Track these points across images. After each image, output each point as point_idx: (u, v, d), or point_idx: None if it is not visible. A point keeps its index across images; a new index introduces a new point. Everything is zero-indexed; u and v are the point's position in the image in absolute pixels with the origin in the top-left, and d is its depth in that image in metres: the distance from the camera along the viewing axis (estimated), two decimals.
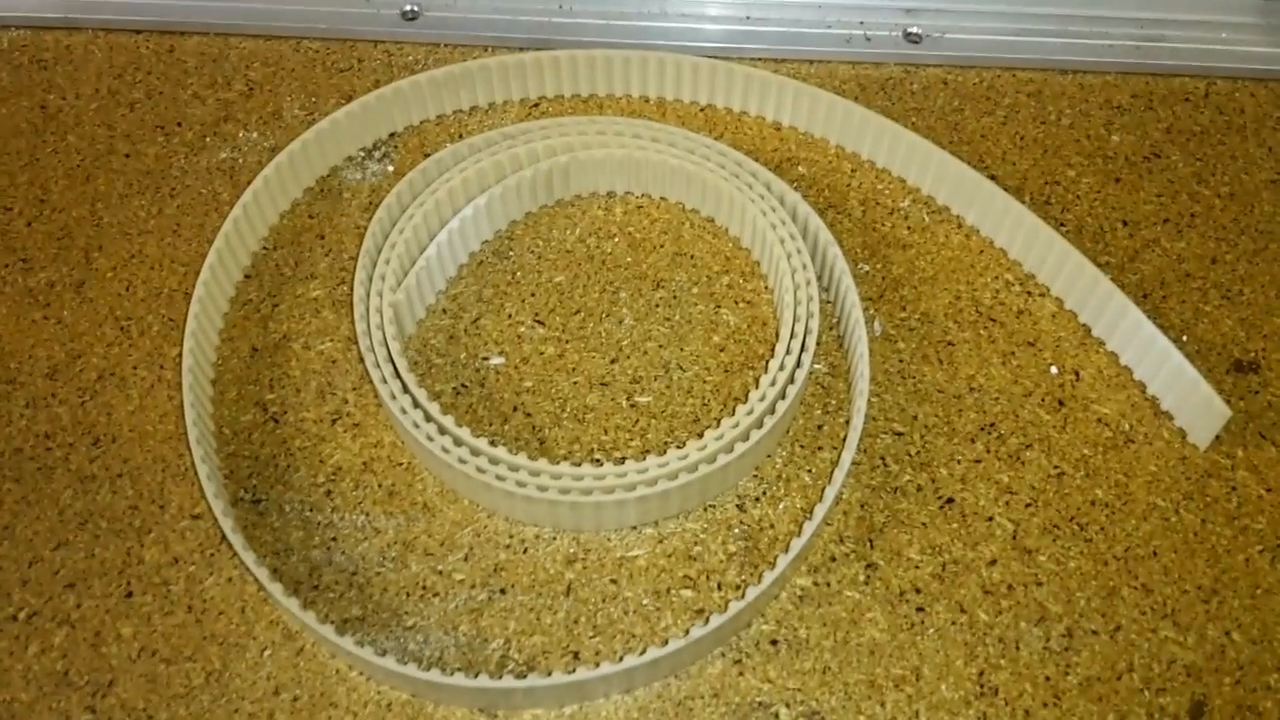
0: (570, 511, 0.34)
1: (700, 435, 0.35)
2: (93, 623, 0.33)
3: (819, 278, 0.39)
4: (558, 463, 0.34)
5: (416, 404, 0.35)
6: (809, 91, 0.42)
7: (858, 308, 0.37)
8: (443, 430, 0.34)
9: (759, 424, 0.35)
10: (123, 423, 0.37)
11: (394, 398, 0.35)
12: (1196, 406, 0.36)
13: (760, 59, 0.46)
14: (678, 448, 0.34)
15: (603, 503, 0.33)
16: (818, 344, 0.37)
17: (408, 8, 0.47)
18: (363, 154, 0.43)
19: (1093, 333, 0.39)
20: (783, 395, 0.35)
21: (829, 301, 0.39)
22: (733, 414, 0.35)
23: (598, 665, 0.31)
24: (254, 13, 0.46)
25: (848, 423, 0.37)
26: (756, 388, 0.35)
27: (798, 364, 0.36)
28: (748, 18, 0.47)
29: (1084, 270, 0.38)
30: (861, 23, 0.47)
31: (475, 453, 0.34)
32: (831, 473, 0.35)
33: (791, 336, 0.36)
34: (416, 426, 0.34)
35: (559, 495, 0.33)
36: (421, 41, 0.47)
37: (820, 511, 0.33)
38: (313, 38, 0.47)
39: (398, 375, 0.35)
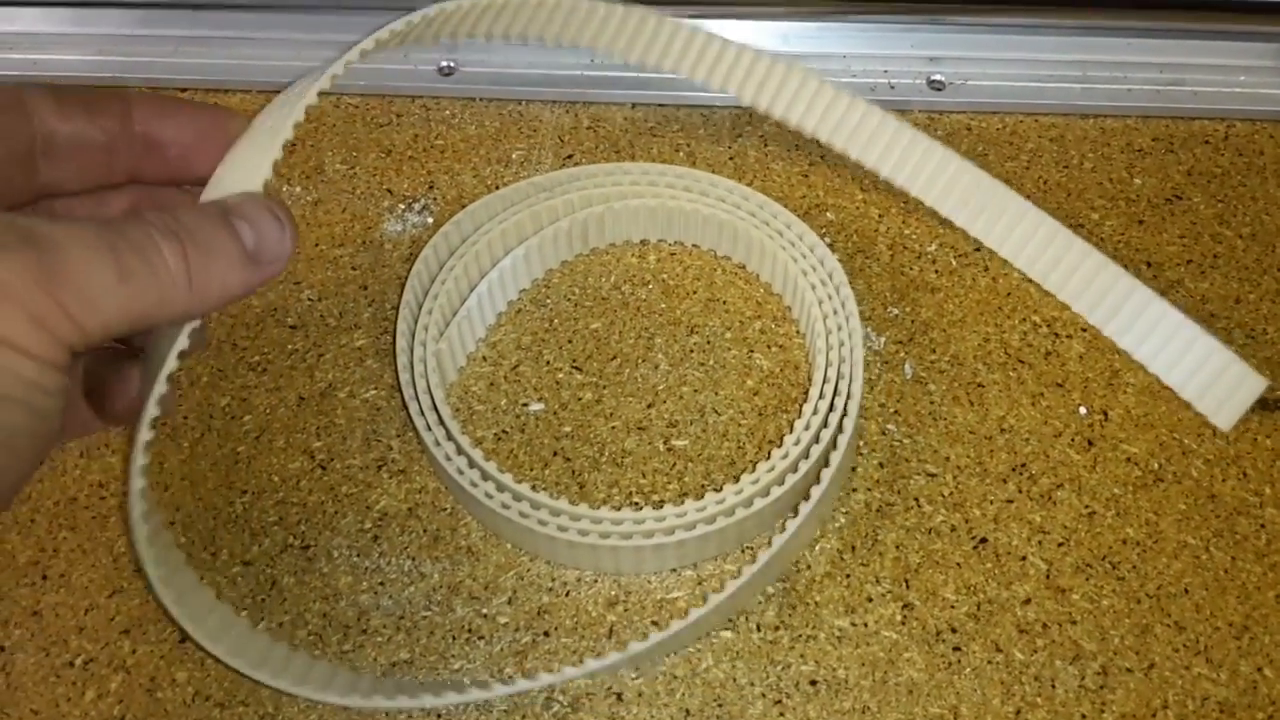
0: (611, 555, 0.35)
1: (736, 479, 0.35)
2: (148, 668, 0.34)
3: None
4: (598, 507, 0.35)
5: (460, 450, 0.36)
6: (840, 101, 0.42)
7: (858, 355, 0.37)
8: (485, 476, 0.35)
9: (794, 468, 0.35)
10: (174, 471, 0.38)
11: (438, 444, 0.36)
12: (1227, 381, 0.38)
13: None
14: (715, 491, 0.35)
15: (643, 546, 0.34)
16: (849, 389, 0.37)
17: (444, 64, 0.48)
18: (403, 207, 0.44)
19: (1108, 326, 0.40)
20: (816, 439, 0.36)
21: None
22: (768, 457, 0.36)
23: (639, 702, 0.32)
24: (296, 70, 0.48)
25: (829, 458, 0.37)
26: (791, 431, 0.36)
27: (831, 407, 0.36)
28: None
29: (1096, 260, 0.40)
30: (885, 71, 0.48)
31: (518, 498, 0.35)
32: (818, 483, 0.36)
33: (825, 381, 0.37)
34: (460, 473, 0.35)
35: (600, 540, 0.34)
36: (458, 96, 0.48)
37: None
38: (352, 94, 0.48)
39: (441, 423, 0.36)
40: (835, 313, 0.38)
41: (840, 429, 0.36)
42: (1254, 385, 0.38)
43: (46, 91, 0.29)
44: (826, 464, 0.35)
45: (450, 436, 0.36)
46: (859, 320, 0.38)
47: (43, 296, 0.23)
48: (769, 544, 0.34)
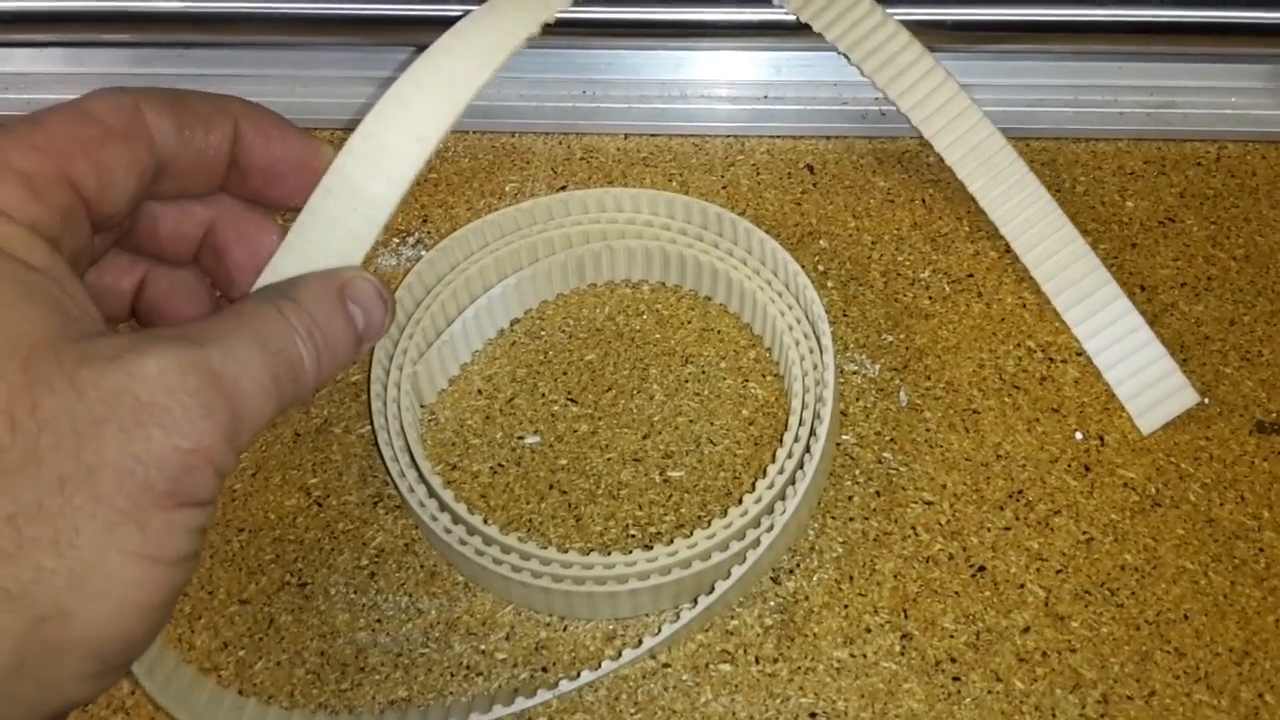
0: (609, 601, 0.35)
1: (725, 513, 0.35)
2: (148, 709, 0.34)
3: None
4: (586, 553, 0.35)
5: (443, 506, 0.35)
6: None
7: (830, 394, 0.37)
8: (472, 530, 0.35)
9: (782, 498, 0.35)
10: None
11: (411, 490, 0.36)
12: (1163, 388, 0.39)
13: (778, 136, 0.48)
14: (704, 528, 0.35)
15: (638, 589, 0.34)
16: (827, 433, 0.37)
17: None
18: (396, 241, 0.44)
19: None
20: (792, 481, 0.36)
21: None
22: (753, 489, 0.36)
23: None
24: (293, 106, 0.48)
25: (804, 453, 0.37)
26: (775, 461, 0.36)
27: (806, 450, 0.36)
28: (765, 97, 0.48)
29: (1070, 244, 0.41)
30: (876, 98, 0.48)
31: (506, 550, 0.34)
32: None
33: (800, 424, 0.37)
34: (449, 532, 0.35)
35: (595, 586, 0.34)
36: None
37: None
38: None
39: (422, 480, 0.36)
40: (815, 368, 0.38)
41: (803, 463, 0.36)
42: (1186, 398, 0.39)
43: (165, 108, 0.27)
44: (789, 493, 0.35)
45: (432, 493, 0.36)
46: (833, 373, 0.37)
47: (231, 451, 0.23)
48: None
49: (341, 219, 0.28)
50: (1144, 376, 0.39)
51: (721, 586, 0.34)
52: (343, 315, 0.27)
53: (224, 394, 0.23)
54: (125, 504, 0.22)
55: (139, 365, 0.22)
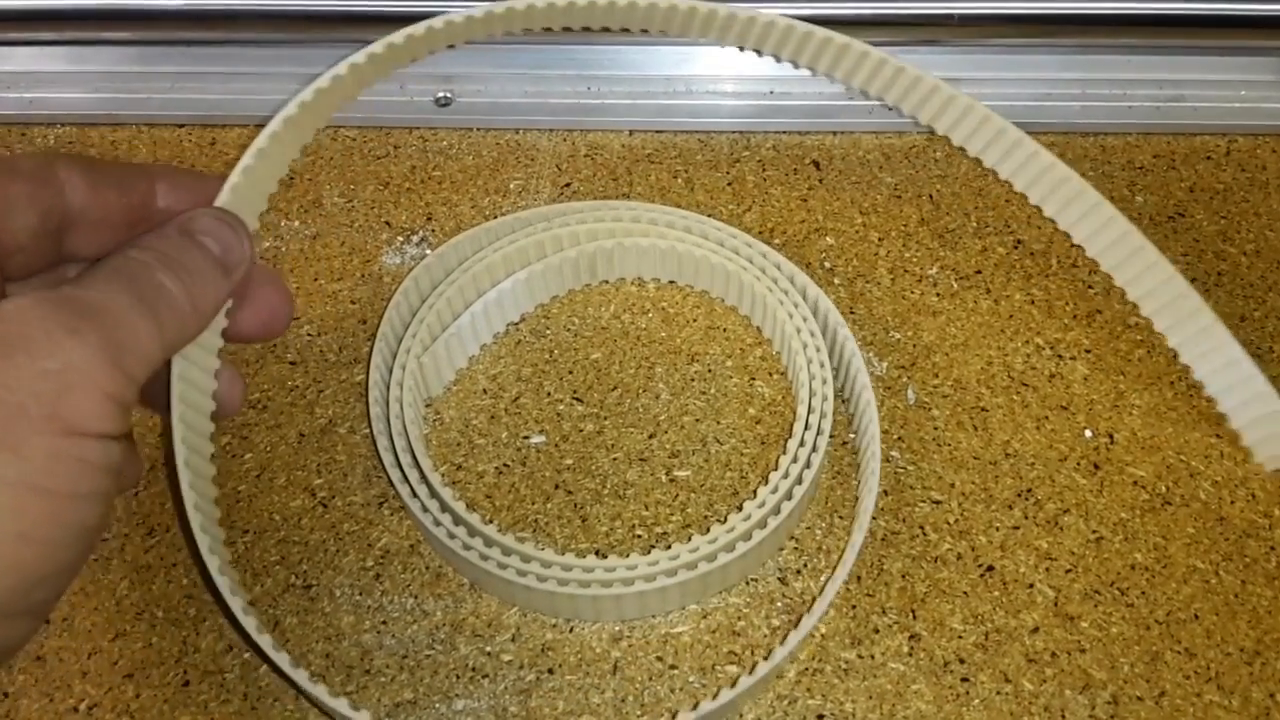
0: (614, 603, 0.34)
1: (724, 519, 0.35)
2: (151, 712, 0.34)
3: (835, 367, 0.39)
4: (585, 555, 0.35)
5: (444, 506, 0.35)
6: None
7: (869, 394, 0.37)
8: (473, 532, 0.35)
9: (789, 495, 0.35)
10: (175, 513, 0.38)
11: (425, 511, 0.35)
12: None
13: (784, 131, 0.47)
14: (702, 534, 0.35)
15: (645, 591, 0.34)
16: (832, 434, 0.37)
17: (440, 95, 0.48)
18: (401, 239, 0.44)
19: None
20: (799, 480, 0.35)
21: (844, 398, 0.40)
22: (766, 482, 0.35)
23: None
24: None
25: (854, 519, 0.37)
26: (778, 467, 0.36)
27: (814, 448, 0.36)
28: (771, 92, 0.48)
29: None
30: None
31: (506, 551, 0.34)
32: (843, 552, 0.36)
33: (806, 428, 0.36)
34: (452, 537, 0.35)
35: (600, 589, 0.34)
36: (454, 126, 0.48)
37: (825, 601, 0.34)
38: (349, 126, 0.48)
39: (424, 480, 0.36)
40: (823, 365, 0.38)
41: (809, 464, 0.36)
42: None
43: (78, 164, 0.29)
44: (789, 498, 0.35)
45: (433, 492, 0.36)
46: (830, 376, 0.37)
47: (115, 373, 0.24)
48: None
49: None
50: (1255, 409, 0.37)
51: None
52: (192, 244, 0.28)
53: (88, 315, 0.24)
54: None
55: (1, 307, 0.23)
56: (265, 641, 0.30)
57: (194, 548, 0.31)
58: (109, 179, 0.29)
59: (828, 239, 0.44)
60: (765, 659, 0.32)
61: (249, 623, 0.30)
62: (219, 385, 0.33)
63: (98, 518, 0.24)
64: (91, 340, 0.23)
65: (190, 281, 0.27)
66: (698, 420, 0.39)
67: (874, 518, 0.37)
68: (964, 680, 0.34)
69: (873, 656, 0.34)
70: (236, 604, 0.30)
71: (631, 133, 0.48)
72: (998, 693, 0.33)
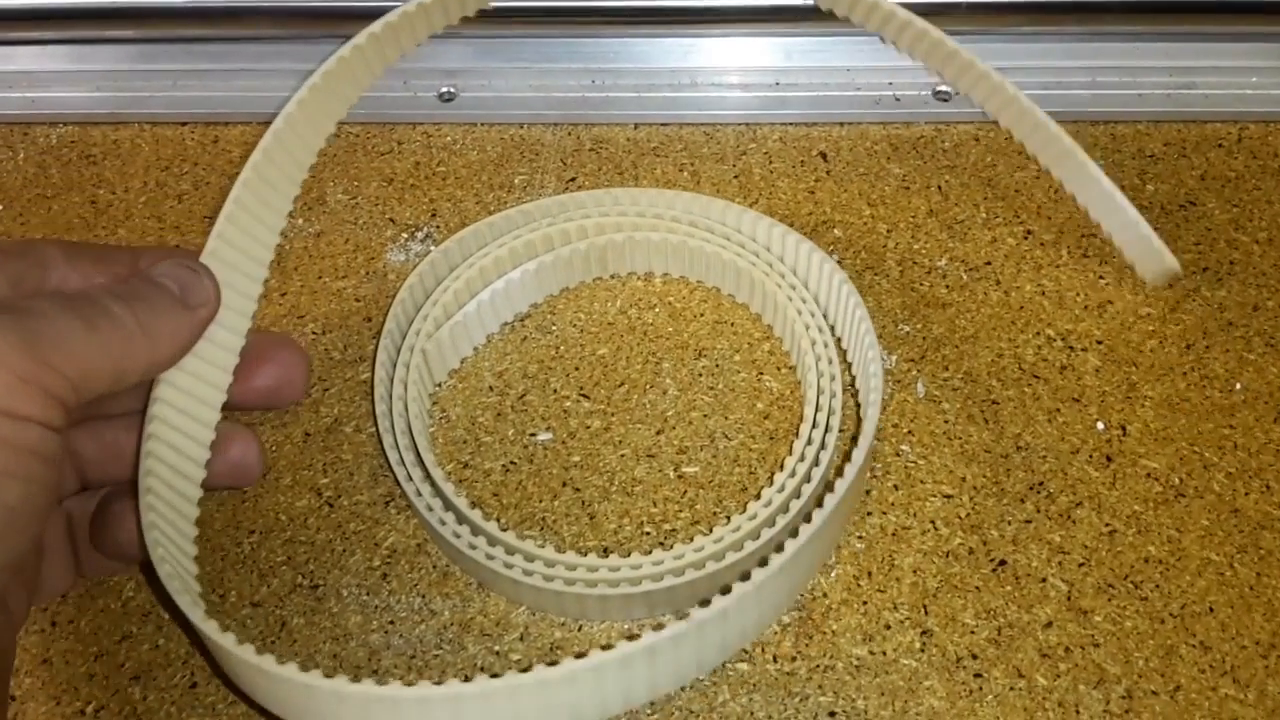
0: (622, 603, 0.34)
1: (748, 505, 0.35)
2: (159, 715, 0.34)
3: (842, 350, 0.39)
4: (585, 553, 0.34)
5: (447, 505, 0.35)
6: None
7: (878, 379, 0.36)
8: (476, 531, 0.35)
9: (798, 494, 0.35)
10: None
11: (431, 510, 0.35)
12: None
13: (791, 123, 0.47)
14: (704, 535, 0.34)
15: (653, 590, 0.33)
16: (840, 431, 0.37)
17: (444, 90, 0.48)
18: (405, 236, 0.44)
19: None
20: (808, 478, 0.35)
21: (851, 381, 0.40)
22: (771, 483, 0.35)
23: None
24: None
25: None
26: (782, 469, 0.36)
27: (822, 445, 0.36)
28: (777, 84, 0.48)
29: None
30: (890, 83, 0.47)
31: (510, 550, 0.34)
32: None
33: (814, 427, 0.36)
34: (457, 537, 0.34)
35: (608, 589, 0.33)
36: (459, 122, 0.48)
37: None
38: (353, 123, 0.48)
39: (428, 479, 0.36)
40: (831, 361, 0.38)
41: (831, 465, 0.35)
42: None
43: (57, 243, 0.31)
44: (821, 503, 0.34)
45: (437, 490, 0.35)
46: (838, 368, 0.36)
47: (29, 358, 0.25)
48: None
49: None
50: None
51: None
52: (147, 281, 0.30)
53: (8, 311, 0.26)
54: None
55: None
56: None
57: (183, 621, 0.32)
58: (87, 255, 0.31)
59: (835, 231, 0.43)
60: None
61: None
62: (230, 453, 0.34)
63: (18, 499, 0.25)
64: (7, 325, 0.25)
65: (140, 308, 0.29)
66: (705, 416, 0.39)
67: (884, 512, 0.36)
68: (977, 676, 0.33)
69: (884, 653, 0.34)
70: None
71: (637, 126, 0.47)
72: (1011, 688, 0.33)
